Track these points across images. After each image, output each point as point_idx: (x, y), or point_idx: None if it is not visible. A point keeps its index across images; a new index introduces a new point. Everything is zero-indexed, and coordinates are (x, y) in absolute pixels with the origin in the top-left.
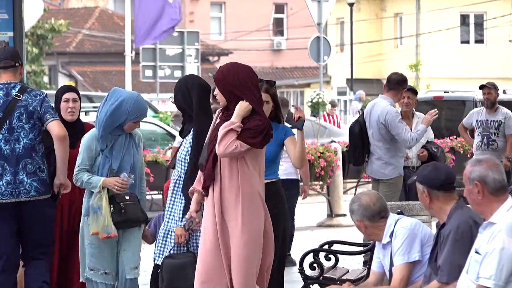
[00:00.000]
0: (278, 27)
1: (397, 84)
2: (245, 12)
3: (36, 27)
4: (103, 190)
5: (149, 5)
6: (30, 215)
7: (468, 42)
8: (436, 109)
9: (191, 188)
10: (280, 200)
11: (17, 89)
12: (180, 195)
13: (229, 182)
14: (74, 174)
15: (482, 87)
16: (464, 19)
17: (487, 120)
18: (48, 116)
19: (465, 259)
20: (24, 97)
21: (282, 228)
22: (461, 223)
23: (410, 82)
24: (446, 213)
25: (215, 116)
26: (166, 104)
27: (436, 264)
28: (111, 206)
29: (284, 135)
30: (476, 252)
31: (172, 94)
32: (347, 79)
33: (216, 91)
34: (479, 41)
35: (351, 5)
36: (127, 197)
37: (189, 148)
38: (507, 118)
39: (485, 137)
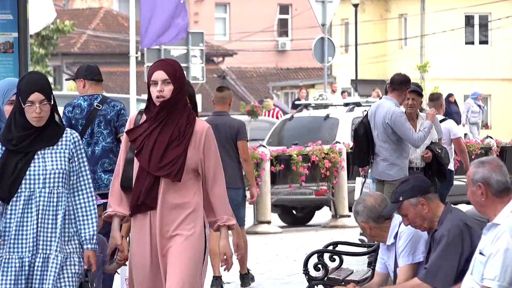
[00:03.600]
0: (283, 28)
1: (400, 84)
2: (250, 13)
3: None
4: None
5: (162, 7)
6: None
7: (472, 43)
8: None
9: (109, 212)
10: None
11: (98, 100)
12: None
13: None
14: None
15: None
16: (469, 20)
17: None
18: (123, 129)
19: (454, 263)
20: (103, 107)
21: None
22: (453, 226)
23: None
24: (438, 217)
25: (131, 120)
26: None
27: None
28: None
29: None
30: (480, 253)
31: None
32: (352, 80)
33: (166, 87)
34: (484, 42)
35: (355, 6)
36: None
37: None
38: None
39: None
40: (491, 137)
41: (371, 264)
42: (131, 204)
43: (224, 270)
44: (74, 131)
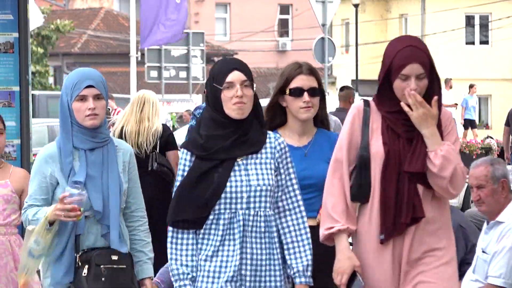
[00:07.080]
0: (283, 28)
1: None
2: (250, 13)
3: (41, 28)
4: (53, 224)
5: (162, 7)
6: None
7: (473, 43)
8: None
9: (340, 227)
10: None
11: None
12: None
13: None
14: (22, 212)
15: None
16: (469, 20)
17: None
18: None
19: None
20: None
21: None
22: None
23: None
24: None
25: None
26: (170, 105)
27: None
28: (86, 266)
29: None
30: (483, 251)
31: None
32: (352, 80)
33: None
34: (484, 42)
35: (356, 6)
36: (114, 257)
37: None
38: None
39: None
40: (491, 137)
41: None
42: (387, 223)
43: None
44: (279, 136)
